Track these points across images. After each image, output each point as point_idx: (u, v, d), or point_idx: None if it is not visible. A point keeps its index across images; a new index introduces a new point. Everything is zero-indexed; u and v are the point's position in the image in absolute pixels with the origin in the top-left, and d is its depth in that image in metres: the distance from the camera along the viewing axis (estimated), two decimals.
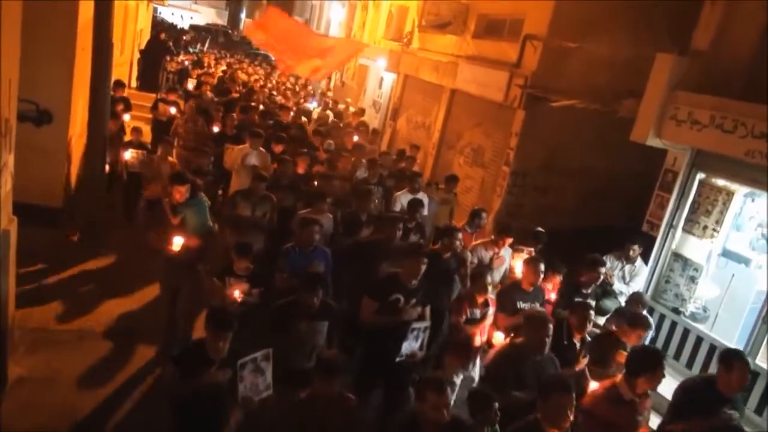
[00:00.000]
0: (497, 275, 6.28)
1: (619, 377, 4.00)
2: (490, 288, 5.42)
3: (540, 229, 6.90)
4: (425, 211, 7.22)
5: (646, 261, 7.06)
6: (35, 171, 6.47)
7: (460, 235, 5.93)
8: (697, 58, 6.81)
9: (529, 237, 6.77)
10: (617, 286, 6.65)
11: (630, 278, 6.81)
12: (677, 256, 7.16)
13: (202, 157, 7.58)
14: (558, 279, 6.13)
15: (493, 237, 6.50)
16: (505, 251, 6.43)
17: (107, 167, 8.00)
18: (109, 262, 7.37)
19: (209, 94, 12.68)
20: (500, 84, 10.31)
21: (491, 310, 5.33)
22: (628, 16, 8.88)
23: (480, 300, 5.25)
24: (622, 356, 4.63)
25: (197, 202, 5.72)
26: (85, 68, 7.36)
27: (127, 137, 8.69)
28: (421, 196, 7.52)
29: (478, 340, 5.17)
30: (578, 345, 4.82)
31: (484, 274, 5.33)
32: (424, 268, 4.68)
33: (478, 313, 5.28)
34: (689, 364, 6.73)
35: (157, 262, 5.62)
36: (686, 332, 6.79)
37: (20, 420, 4.46)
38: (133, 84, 18.27)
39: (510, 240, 6.42)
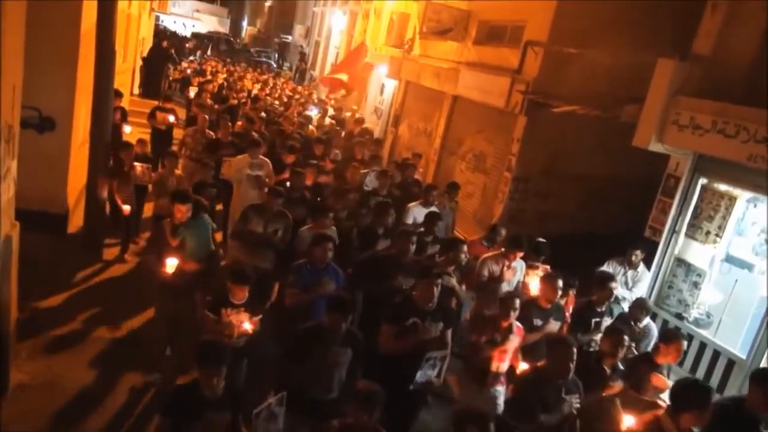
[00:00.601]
0: (508, 289, 6.06)
1: (661, 412, 3.76)
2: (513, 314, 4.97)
3: (542, 240, 6.71)
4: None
5: (648, 266, 7.03)
6: (38, 177, 6.48)
7: (465, 248, 5.80)
8: (699, 63, 6.82)
9: (531, 250, 6.47)
10: (620, 291, 6.59)
11: (633, 284, 6.78)
12: (680, 261, 7.13)
13: (205, 170, 7.39)
14: (572, 295, 5.97)
15: (503, 250, 6.22)
16: (517, 263, 6.17)
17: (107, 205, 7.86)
18: (113, 269, 7.37)
19: (209, 101, 12.69)
20: (501, 90, 10.33)
21: (515, 338, 4.90)
22: (628, 21, 8.91)
23: (504, 324, 4.87)
24: (658, 379, 4.49)
25: (199, 223, 5.35)
26: (87, 76, 7.39)
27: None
28: (435, 208, 7.37)
29: (495, 365, 4.85)
30: (608, 371, 4.64)
31: (513, 299, 4.94)
32: (438, 290, 4.52)
33: (499, 337, 4.90)
34: (693, 370, 6.70)
35: (153, 286, 5.28)
36: (690, 338, 6.76)
37: (21, 426, 4.45)
38: (136, 91, 18.36)
39: (521, 253, 6.12)
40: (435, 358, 4.39)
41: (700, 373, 6.60)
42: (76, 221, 7.92)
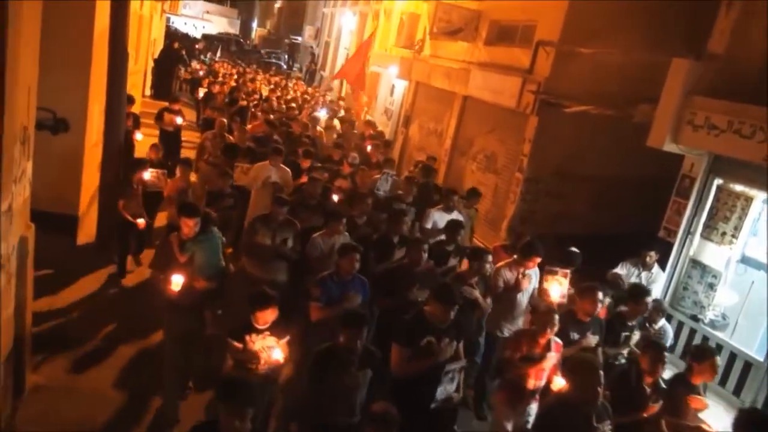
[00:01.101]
0: (525, 297, 5.80)
1: None
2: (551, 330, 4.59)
3: (574, 249, 6.29)
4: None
5: (663, 268, 6.97)
6: (51, 179, 6.52)
7: (490, 258, 5.58)
8: (714, 63, 6.76)
9: (562, 258, 6.08)
10: None
11: (647, 285, 6.70)
12: (695, 262, 7.07)
13: (223, 178, 7.18)
14: (604, 306, 5.58)
15: (515, 257, 5.89)
16: (533, 271, 5.83)
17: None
18: (129, 273, 7.38)
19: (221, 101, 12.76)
20: (513, 90, 10.28)
21: (553, 355, 4.55)
22: (641, 20, 8.84)
23: (541, 341, 4.52)
24: (697, 401, 4.34)
25: (208, 237, 4.98)
26: (100, 77, 7.43)
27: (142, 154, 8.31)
28: (456, 215, 7.15)
29: (532, 383, 4.53)
30: (648, 389, 4.38)
31: (552, 313, 4.54)
32: (454, 313, 4.22)
33: (536, 353, 4.55)
34: None
35: (160, 305, 4.92)
36: (705, 340, 6.69)
37: (36, 428, 4.47)
38: (147, 93, 18.46)
39: (538, 259, 5.76)
40: (453, 370, 4.20)
41: (717, 376, 6.53)
42: (88, 223, 7.96)
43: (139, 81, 16.04)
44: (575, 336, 4.91)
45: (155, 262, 4.94)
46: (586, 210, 10.05)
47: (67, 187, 7.47)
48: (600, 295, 5.03)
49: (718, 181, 6.89)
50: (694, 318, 6.91)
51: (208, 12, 50.07)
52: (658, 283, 6.78)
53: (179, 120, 10.68)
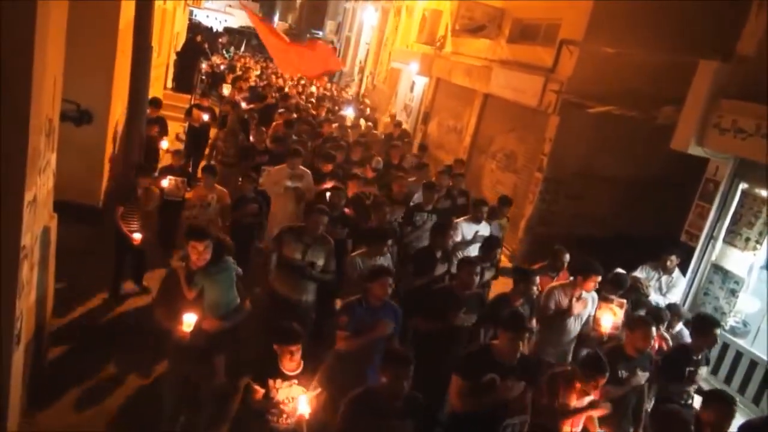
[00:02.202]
0: (577, 324, 5.28)
1: None
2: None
3: (620, 270, 5.88)
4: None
5: (684, 272, 6.87)
6: (74, 170, 6.60)
7: (537, 280, 5.20)
8: (742, 65, 6.63)
9: (608, 281, 5.63)
10: (653, 297, 6.47)
11: (667, 289, 6.63)
12: (717, 268, 6.96)
13: (246, 181, 6.70)
14: (659, 335, 5.11)
15: (572, 278, 5.36)
16: (588, 295, 5.29)
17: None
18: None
19: (238, 97, 12.44)
20: (535, 89, 10.20)
21: (594, 399, 3.95)
22: (667, 20, 8.71)
23: (582, 386, 3.90)
24: None
25: (222, 268, 4.26)
26: (124, 70, 7.50)
27: (165, 162, 7.91)
28: (485, 226, 6.82)
29: (568, 431, 4.01)
30: None
31: (602, 361, 3.89)
32: (523, 346, 3.86)
33: (575, 402, 3.95)
34: (728, 380, 6.53)
35: (165, 340, 4.23)
36: (725, 347, 6.60)
37: (53, 417, 4.54)
38: (169, 85, 18.60)
39: (596, 281, 5.19)
40: (514, 425, 3.83)
41: (735, 383, 6.44)
42: (109, 214, 8.05)
43: (161, 74, 16.16)
44: (623, 374, 4.43)
45: (159, 298, 4.18)
46: (606, 211, 9.97)
47: (90, 178, 7.57)
48: (653, 330, 4.56)
49: (743, 186, 6.77)
50: None
51: (230, 5, 50.31)
52: (678, 287, 6.69)
53: (206, 117, 10.53)
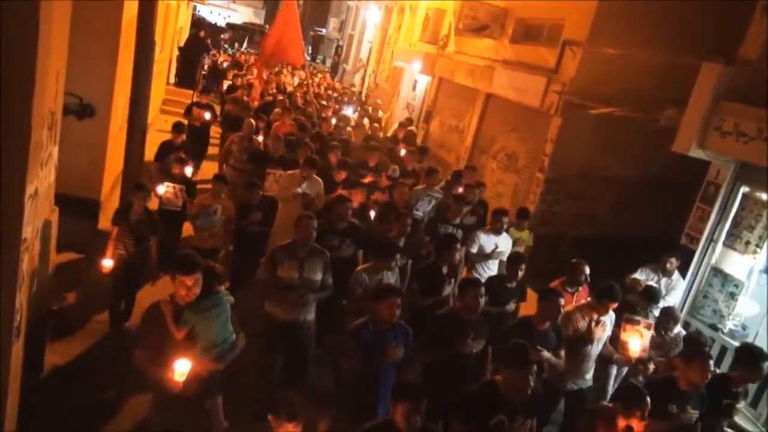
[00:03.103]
0: (596, 348, 4.91)
1: None
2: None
3: (652, 284, 5.62)
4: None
5: (683, 275, 6.87)
6: (76, 163, 6.61)
7: (562, 301, 4.65)
8: (745, 68, 6.62)
9: (638, 299, 5.39)
10: None
11: (666, 292, 6.60)
12: (717, 271, 6.96)
13: (252, 190, 6.30)
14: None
15: (589, 299, 5.06)
16: (607, 317, 4.92)
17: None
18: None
19: (245, 98, 12.23)
20: (537, 89, 10.20)
21: None
22: (671, 23, 8.72)
23: (623, 424, 3.52)
24: None
25: (215, 302, 3.77)
26: (127, 64, 7.50)
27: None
28: (506, 237, 6.50)
29: None
30: None
31: (644, 396, 3.57)
32: (533, 379, 3.55)
33: None
34: None
35: (148, 385, 3.71)
36: (724, 350, 6.59)
37: (51, 409, 4.55)
38: (172, 80, 18.62)
39: (615, 304, 4.85)
40: None
41: None
42: (110, 207, 8.04)
43: (164, 69, 16.17)
44: (674, 409, 4.10)
45: (141, 339, 3.56)
46: (607, 212, 9.98)
47: (91, 172, 7.57)
48: (711, 364, 4.23)
49: (744, 189, 6.77)
50: (714, 327, 6.81)
51: (234, 1, 50.27)
52: (677, 290, 6.67)
53: (207, 116, 10.27)
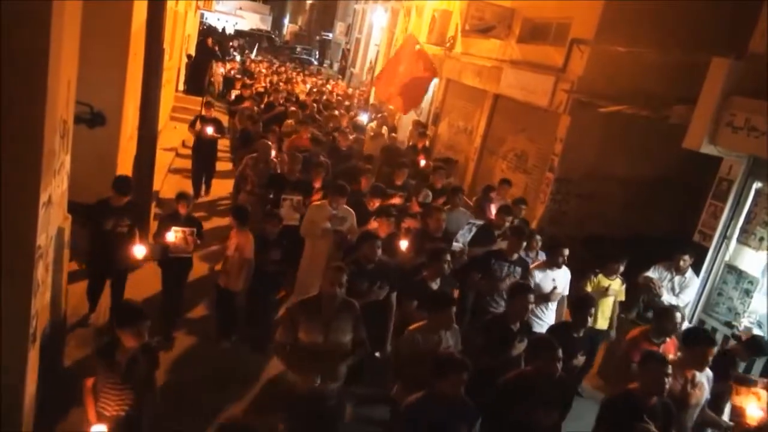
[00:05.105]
0: (693, 415, 4.10)
1: None
2: None
3: (758, 333, 4.99)
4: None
5: (697, 272, 6.81)
6: (88, 171, 6.66)
7: (669, 368, 3.63)
8: (755, 63, 6.56)
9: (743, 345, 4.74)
10: (666, 298, 6.42)
11: (680, 290, 6.57)
12: (731, 268, 6.89)
13: (271, 222, 5.64)
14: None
15: (682, 354, 4.24)
16: (704, 375, 4.08)
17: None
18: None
19: (255, 108, 11.85)
20: (545, 89, 10.17)
21: None
22: (679, 19, 8.67)
23: None
24: None
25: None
26: (136, 72, 7.57)
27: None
28: (564, 273, 5.70)
29: None
30: None
31: None
32: None
33: None
34: None
35: None
36: None
37: (64, 415, 4.58)
38: (181, 88, 18.75)
39: (713, 350, 3.97)
40: None
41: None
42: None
43: (173, 76, 16.29)
44: None
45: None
46: (618, 211, 9.91)
47: (103, 180, 7.62)
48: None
49: (757, 185, 6.70)
50: (728, 325, 6.74)
51: (240, 8, 50.60)
52: (691, 288, 6.63)
53: (210, 130, 9.60)
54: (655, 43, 8.29)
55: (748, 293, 6.71)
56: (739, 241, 6.86)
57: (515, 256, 5.65)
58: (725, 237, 6.89)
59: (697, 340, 3.99)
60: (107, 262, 5.61)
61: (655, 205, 9.63)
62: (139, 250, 5.37)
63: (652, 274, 6.50)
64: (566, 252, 5.73)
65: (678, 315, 4.69)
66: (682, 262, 6.50)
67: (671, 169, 9.21)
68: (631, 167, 9.56)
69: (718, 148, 6.72)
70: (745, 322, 6.72)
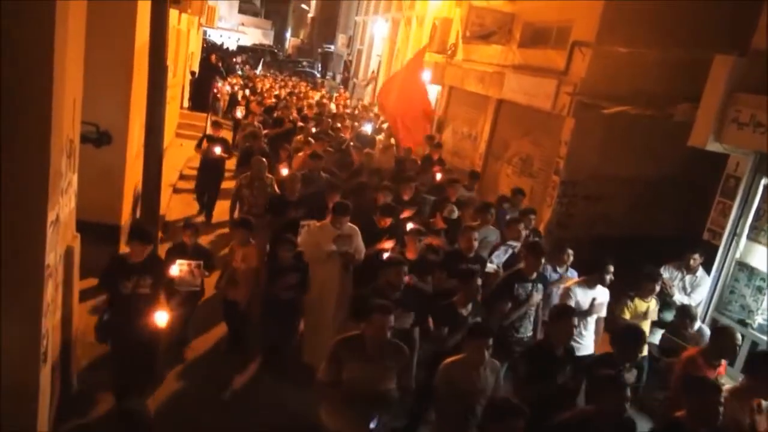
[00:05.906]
0: None
1: None
2: None
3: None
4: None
5: (708, 271, 6.76)
6: (96, 190, 6.71)
7: (722, 397, 3.40)
8: (758, 59, 6.53)
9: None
10: (677, 297, 6.38)
11: (691, 289, 6.52)
12: (742, 265, 6.83)
13: (283, 246, 5.30)
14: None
15: (747, 378, 3.97)
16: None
17: None
18: None
19: (257, 123, 11.68)
20: (548, 92, 10.17)
21: None
22: (681, 17, 8.67)
23: None
24: None
25: None
26: (141, 91, 7.63)
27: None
28: (603, 292, 5.33)
29: None
30: None
31: None
32: None
33: None
34: None
35: None
36: (754, 345, 6.45)
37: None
38: (185, 104, 18.88)
39: None
40: None
41: None
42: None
43: (177, 93, 16.41)
44: None
45: None
46: (625, 212, 9.88)
47: (111, 198, 7.68)
48: None
49: (765, 181, 6.65)
50: (742, 322, 6.67)
51: (242, 24, 51.08)
52: (702, 286, 6.57)
53: (218, 150, 9.48)
54: (656, 43, 8.28)
55: (760, 290, 6.65)
56: (749, 238, 6.80)
57: (534, 274, 5.29)
58: (735, 234, 6.84)
59: (765, 367, 3.73)
60: (132, 341, 4.62)
61: (662, 205, 9.59)
62: (161, 318, 4.58)
63: (662, 273, 6.45)
64: (612, 268, 5.41)
65: (738, 335, 4.44)
66: (692, 261, 6.46)
67: (676, 168, 9.18)
68: (636, 167, 9.54)
69: (723, 145, 6.68)
70: (759, 319, 6.65)
